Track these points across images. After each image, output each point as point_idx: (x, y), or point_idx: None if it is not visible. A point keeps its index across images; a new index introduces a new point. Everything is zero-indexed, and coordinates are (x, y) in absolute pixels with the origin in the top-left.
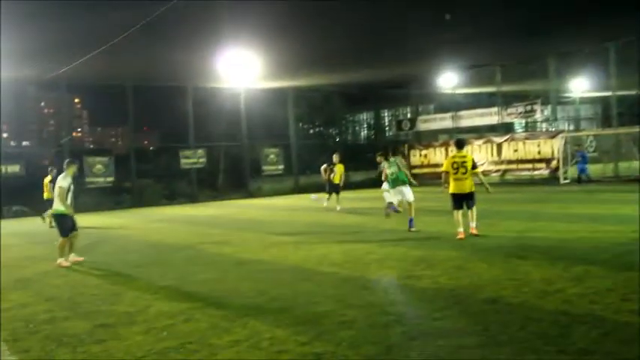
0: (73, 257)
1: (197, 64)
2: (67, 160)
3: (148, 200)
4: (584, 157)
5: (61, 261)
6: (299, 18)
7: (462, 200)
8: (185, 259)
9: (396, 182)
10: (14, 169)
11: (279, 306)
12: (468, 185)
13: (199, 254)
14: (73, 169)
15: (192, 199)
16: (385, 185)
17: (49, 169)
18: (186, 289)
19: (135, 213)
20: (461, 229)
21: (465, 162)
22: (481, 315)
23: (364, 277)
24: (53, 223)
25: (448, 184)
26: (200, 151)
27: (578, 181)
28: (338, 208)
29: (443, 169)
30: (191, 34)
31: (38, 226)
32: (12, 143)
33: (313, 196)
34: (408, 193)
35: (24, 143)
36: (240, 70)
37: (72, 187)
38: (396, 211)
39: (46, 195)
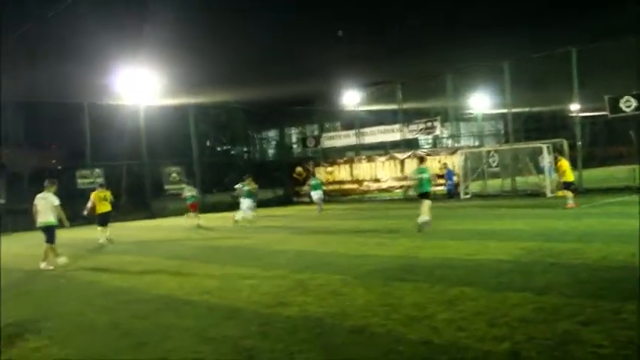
0: (61, 260)
1: (92, 81)
2: (46, 182)
3: None
4: (449, 175)
5: (44, 265)
6: (199, 34)
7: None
8: (52, 289)
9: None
10: None
11: (130, 343)
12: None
13: (70, 282)
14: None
15: (90, 220)
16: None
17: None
18: (38, 325)
19: (25, 237)
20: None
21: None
22: (342, 348)
23: (232, 305)
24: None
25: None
26: (97, 171)
27: (449, 196)
28: (101, 240)
29: (567, 169)
30: (83, 50)
31: None
32: None
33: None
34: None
35: None
36: (139, 86)
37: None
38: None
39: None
